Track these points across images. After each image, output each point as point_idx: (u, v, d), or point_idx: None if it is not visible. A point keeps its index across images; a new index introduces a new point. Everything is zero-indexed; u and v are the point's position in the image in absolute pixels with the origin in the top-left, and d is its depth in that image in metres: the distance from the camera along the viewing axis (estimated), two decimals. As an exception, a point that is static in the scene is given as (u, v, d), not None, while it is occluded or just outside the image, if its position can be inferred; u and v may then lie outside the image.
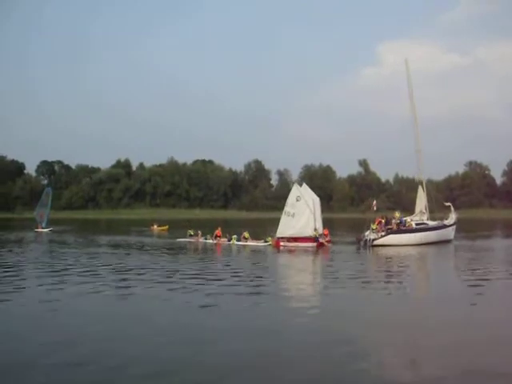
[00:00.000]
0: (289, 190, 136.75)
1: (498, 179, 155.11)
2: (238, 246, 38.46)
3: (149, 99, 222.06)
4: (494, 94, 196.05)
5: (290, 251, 35.24)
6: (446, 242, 41.46)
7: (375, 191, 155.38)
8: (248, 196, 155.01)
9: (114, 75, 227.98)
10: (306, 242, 37.25)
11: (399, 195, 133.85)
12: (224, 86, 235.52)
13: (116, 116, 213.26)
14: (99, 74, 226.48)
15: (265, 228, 54.52)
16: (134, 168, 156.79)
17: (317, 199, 39.39)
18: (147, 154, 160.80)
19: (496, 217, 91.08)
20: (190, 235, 43.73)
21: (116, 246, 39.02)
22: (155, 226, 63.18)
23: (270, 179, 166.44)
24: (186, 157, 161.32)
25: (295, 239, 37.78)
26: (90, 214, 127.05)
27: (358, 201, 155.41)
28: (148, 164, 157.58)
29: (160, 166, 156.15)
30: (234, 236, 40.63)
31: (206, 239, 42.37)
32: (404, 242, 38.01)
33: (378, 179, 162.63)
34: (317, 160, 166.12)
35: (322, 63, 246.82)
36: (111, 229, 67.71)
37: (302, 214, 38.06)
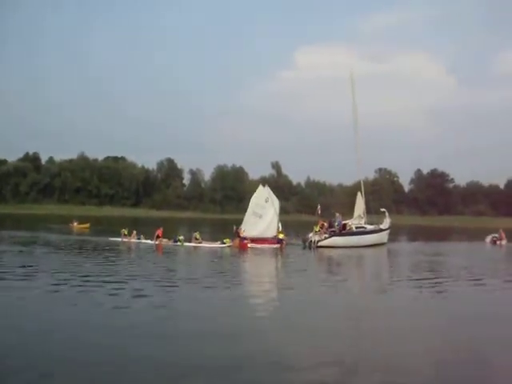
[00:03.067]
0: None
1: (406, 186, 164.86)
2: (188, 248, 37.21)
3: (61, 93, 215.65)
4: (406, 103, 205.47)
5: (255, 252, 36.63)
6: (381, 244, 45.38)
7: (286, 194, 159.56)
8: (160, 195, 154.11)
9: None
10: (269, 243, 39.40)
11: (311, 198, 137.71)
12: (137, 86, 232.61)
13: (26, 108, 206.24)
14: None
15: (177, 227, 55.72)
16: (43, 162, 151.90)
17: (277, 201, 41.81)
18: (57, 148, 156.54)
19: (403, 223, 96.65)
20: (125, 234, 41.24)
21: (35, 244, 37.03)
22: (75, 224, 60.85)
23: (183, 178, 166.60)
24: (97, 153, 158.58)
25: (258, 240, 39.41)
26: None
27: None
28: (58, 158, 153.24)
29: (70, 161, 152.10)
30: (181, 237, 39.15)
31: (139, 239, 40.46)
32: (345, 244, 41.50)
33: (290, 182, 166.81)
34: (229, 161, 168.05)
35: (240, 67, 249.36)
36: (25, 225, 64.07)
37: (267, 214, 40.43)
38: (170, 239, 39.61)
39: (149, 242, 39.60)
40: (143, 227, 68.02)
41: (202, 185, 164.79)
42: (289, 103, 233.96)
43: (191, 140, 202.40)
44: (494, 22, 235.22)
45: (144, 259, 30.53)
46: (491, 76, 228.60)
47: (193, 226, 67.62)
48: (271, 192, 42.30)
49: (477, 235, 67.76)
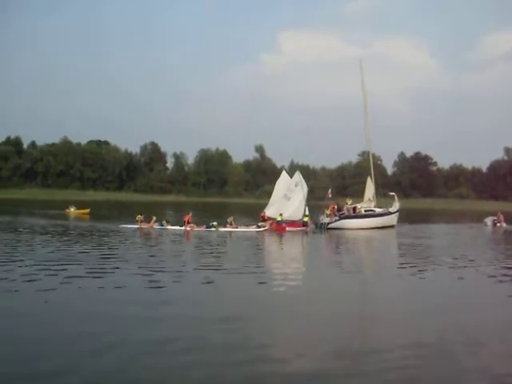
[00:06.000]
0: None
1: (390, 169, 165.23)
2: (222, 233, 36.07)
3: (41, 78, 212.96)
4: (390, 86, 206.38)
5: (282, 235, 37.24)
6: (390, 227, 46.22)
7: (270, 177, 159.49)
8: (144, 178, 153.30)
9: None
10: (296, 226, 40.30)
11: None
12: (125, 67, 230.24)
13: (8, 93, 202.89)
14: None
15: (162, 211, 54.45)
16: (25, 146, 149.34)
17: (306, 187, 42.85)
18: (39, 132, 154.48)
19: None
20: (141, 221, 38.65)
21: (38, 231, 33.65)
22: (72, 209, 57.50)
23: (166, 162, 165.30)
24: (80, 137, 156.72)
25: (287, 223, 40.15)
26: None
27: (253, 186, 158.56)
28: (40, 143, 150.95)
29: (53, 145, 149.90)
30: (215, 222, 37.89)
31: (162, 225, 38.30)
32: (354, 226, 43.01)
33: (274, 165, 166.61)
34: (213, 144, 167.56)
35: (223, 51, 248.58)
36: (14, 210, 59.00)
37: (295, 198, 41.72)
38: (200, 224, 38.56)
39: (176, 227, 38.16)
40: (127, 210, 67.86)
41: (186, 168, 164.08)
42: (272, 86, 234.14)
43: (175, 123, 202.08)
44: (479, 5, 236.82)
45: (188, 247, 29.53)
46: (475, 59, 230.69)
47: (178, 209, 67.23)
48: (302, 177, 43.27)
49: (465, 217, 69.41)
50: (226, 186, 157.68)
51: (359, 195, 53.18)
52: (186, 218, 38.14)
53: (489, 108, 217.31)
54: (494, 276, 19.61)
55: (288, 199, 41.99)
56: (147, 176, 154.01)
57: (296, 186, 42.53)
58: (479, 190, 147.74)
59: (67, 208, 58.31)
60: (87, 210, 57.45)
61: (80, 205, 61.98)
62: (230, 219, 39.35)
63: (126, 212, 63.21)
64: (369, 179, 48.96)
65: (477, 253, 28.21)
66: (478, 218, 61.73)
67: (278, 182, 44.37)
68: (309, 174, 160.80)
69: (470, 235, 44.47)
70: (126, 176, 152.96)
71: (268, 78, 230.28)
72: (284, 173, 45.14)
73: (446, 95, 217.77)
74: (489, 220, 54.80)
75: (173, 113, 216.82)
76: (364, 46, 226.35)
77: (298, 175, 43.50)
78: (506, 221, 53.24)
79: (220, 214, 53.84)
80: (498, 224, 52.75)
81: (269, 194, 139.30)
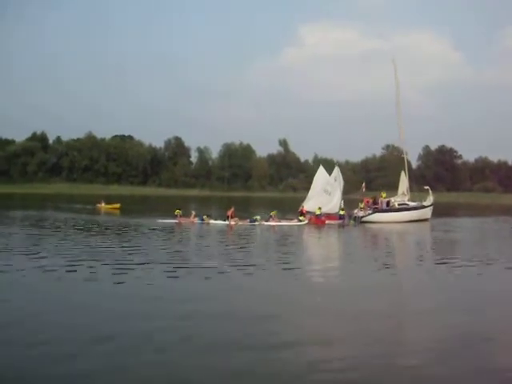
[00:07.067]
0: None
1: (414, 163, 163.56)
2: (265, 227, 36.46)
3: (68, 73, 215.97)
4: (412, 79, 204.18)
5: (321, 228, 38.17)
6: (424, 220, 46.53)
7: (294, 171, 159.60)
8: (168, 173, 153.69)
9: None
10: (333, 219, 41.46)
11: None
12: (146, 63, 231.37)
13: (33, 88, 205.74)
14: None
15: (188, 206, 54.35)
16: (50, 141, 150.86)
17: (343, 181, 44.60)
18: (65, 127, 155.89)
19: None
20: (180, 215, 38.66)
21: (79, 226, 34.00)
22: (103, 204, 57.56)
23: (190, 156, 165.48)
24: (104, 132, 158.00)
25: (326, 216, 41.25)
26: (3, 188, 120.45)
27: (276, 180, 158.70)
28: (65, 138, 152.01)
29: (78, 140, 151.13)
30: (258, 217, 38.39)
31: (202, 220, 38.23)
32: (388, 220, 43.65)
33: (298, 159, 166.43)
34: (237, 138, 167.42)
35: (245, 45, 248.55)
36: (40, 205, 59.79)
37: (334, 193, 43.21)
38: (243, 219, 38.77)
39: (219, 222, 38.45)
40: (155, 205, 68.16)
41: (210, 163, 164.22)
42: (295, 80, 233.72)
43: (198, 118, 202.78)
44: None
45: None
46: (497, 50, 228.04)
47: (203, 203, 67.44)
48: (340, 173, 44.57)
49: (493, 211, 69.46)
50: (249, 180, 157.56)
51: (384, 189, 53.21)
52: (229, 213, 38.43)
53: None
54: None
55: (329, 194, 43.15)
56: (171, 170, 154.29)
57: (335, 180, 43.84)
58: (505, 184, 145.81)
59: (98, 203, 58.37)
60: (118, 205, 57.40)
61: (107, 199, 62.07)
62: (272, 213, 39.89)
63: (155, 206, 63.72)
64: (402, 173, 49.09)
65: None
66: (506, 211, 61.35)
67: (315, 177, 45.00)
68: (333, 167, 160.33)
69: (505, 229, 44.53)
70: (150, 170, 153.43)
71: (290, 72, 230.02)
72: (321, 168, 45.66)
73: (469, 87, 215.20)
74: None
75: (196, 108, 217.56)
76: (385, 39, 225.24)
77: (336, 170, 44.67)
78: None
79: (245, 208, 54.33)
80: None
81: (293, 188, 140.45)
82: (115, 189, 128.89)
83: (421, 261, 22.75)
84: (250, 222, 37.90)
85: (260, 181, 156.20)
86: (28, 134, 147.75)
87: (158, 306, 13.01)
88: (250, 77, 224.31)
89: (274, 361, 9.29)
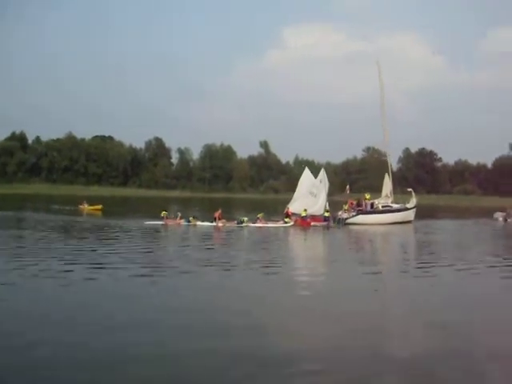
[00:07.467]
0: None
1: (395, 166, 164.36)
2: (252, 229, 36.65)
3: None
4: (394, 82, 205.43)
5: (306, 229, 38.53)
6: (408, 222, 46.84)
7: (275, 173, 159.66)
8: (148, 174, 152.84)
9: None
10: (318, 220, 41.74)
11: (300, 177, 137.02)
12: (128, 63, 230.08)
13: (12, 88, 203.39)
14: None
15: (169, 207, 54.10)
16: (29, 141, 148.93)
17: (328, 183, 44.71)
18: (44, 127, 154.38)
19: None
20: (166, 217, 38.45)
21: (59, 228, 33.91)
22: (85, 205, 56.94)
23: (171, 158, 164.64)
24: (84, 132, 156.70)
25: (311, 218, 41.54)
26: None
27: (257, 181, 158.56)
28: (45, 138, 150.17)
29: (57, 140, 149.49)
30: (245, 218, 38.52)
31: (189, 222, 38.03)
32: (372, 222, 44.02)
33: (279, 161, 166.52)
34: (219, 140, 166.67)
35: (230, 47, 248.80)
36: (20, 206, 59.51)
37: (320, 195, 43.23)
38: (230, 220, 39.10)
39: (206, 224, 38.22)
40: (136, 206, 67.74)
41: (191, 164, 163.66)
42: (278, 82, 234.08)
43: (182, 119, 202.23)
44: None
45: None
46: (479, 55, 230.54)
47: (185, 204, 67.38)
48: (325, 175, 44.80)
49: (473, 213, 70.96)
50: (230, 181, 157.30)
51: (365, 191, 53.71)
52: (217, 215, 38.42)
53: (494, 103, 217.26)
54: None
55: (314, 196, 43.30)
56: (152, 171, 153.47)
57: (320, 182, 43.99)
58: (484, 187, 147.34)
59: (80, 204, 57.82)
60: (100, 206, 56.89)
61: (88, 200, 61.08)
62: (259, 215, 40.25)
63: (137, 208, 63.38)
64: (386, 176, 49.66)
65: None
66: (486, 213, 62.09)
67: (301, 179, 45.27)
68: (314, 169, 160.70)
69: (485, 231, 44.99)
70: (130, 171, 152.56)
71: (274, 74, 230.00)
72: (307, 170, 45.90)
73: (450, 91, 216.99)
74: (499, 215, 55.41)
75: (177, 109, 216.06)
76: (370, 41, 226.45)
77: (322, 172, 44.92)
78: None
79: (228, 209, 54.39)
80: (509, 219, 53.22)
81: (274, 190, 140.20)
82: (95, 190, 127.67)
83: (404, 263, 22.93)
84: (238, 223, 38.05)
85: (241, 182, 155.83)
86: (7, 134, 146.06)
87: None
88: (234, 78, 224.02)
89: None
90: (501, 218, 54.40)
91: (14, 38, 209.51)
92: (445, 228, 46.12)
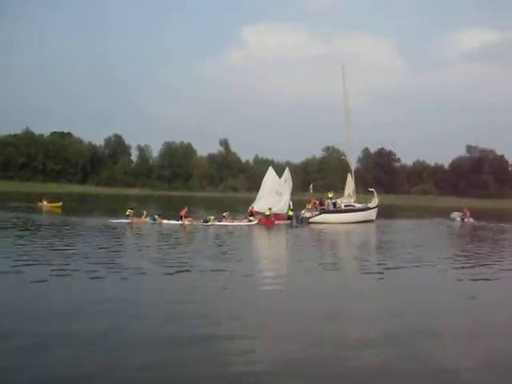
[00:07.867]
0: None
1: (354, 165, 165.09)
2: (217, 227, 36.51)
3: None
4: (353, 84, 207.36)
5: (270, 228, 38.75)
6: (369, 221, 47.50)
7: (235, 171, 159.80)
8: (108, 171, 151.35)
9: None
10: (282, 219, 41.99)
11: (260, 176, 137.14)
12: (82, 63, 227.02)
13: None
14: None
15: (129, 205, 52.84)
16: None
17: (291, 183, 45.28)
18: (44, 127, 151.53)
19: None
20: (132, 215, 37.73)
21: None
22: (45, 203, 55.50)
23: (130, 155, 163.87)
24: (43, 128, 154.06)
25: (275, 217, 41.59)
26: None
27: (217, 180, 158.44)
28: (0, 134, 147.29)
29: (14, 136, 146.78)
30: (212, 217, 38.30)
31: (154, 220, 37.47)
32: (334, 221, 44.22)
33: (238, 159, 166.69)
34: (178, 137, 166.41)
35: (189, 45, 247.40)
36: None
37: (284, 194, 43.72)
38: (197, 219, 39.12)
39: (172, 222, 37.85)
40: (95, 203, 66.86)
41: (150, 161, 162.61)
42: (237, 82, 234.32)
43: (139, 116, 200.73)
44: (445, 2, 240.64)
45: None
46: (439, 57, 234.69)
47: (144, 202, 66.74)
48: (289, 174, 45.30)
49: (431, 213, 72.67)
50: (190, 179, 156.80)
51: (325, 190, 54.34)
52: (183, 213, 38.03)
53: (451, 106, 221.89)
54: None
55: (279, 195, 43.67)
56: (111, 169, 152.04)
57: (285, 182, 44.51)
58: (441, 187, 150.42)
59: (40, 201, 56.40)
60: (59, 204, 56.00)
61: (46, 197, 59.52)
62: (225, 214, 40.22)
63: (97, 205, 62.61)
64: (349, 175, 50.20)
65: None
66: (443, 213, 63.29)
67: (265, 178, 45.36)
68: (274, 168, 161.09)
69: (443, 230, 45.60)
70: (89, 169, 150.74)
71: (234, 73, 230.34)
72: (271, 169, 46.30)
73: (408, 93, 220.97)
74: (456, 215, 56.39)
75: (138, 105, 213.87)
76: (328, 43, 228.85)
77: (287, 172, 45.40)
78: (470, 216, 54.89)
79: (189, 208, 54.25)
80: (466, 219, 54.23)
81: (233, 188, 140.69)
82: (53, 187, 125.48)
83: (364, 261, 23.07)
84: (204, 222, 37.93)
85: (200, 180, 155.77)
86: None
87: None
88: (192, 77, 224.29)
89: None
90: (458, 218, 55.39)
91: (14, 38, 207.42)
92: (401, 227, 46.64)
